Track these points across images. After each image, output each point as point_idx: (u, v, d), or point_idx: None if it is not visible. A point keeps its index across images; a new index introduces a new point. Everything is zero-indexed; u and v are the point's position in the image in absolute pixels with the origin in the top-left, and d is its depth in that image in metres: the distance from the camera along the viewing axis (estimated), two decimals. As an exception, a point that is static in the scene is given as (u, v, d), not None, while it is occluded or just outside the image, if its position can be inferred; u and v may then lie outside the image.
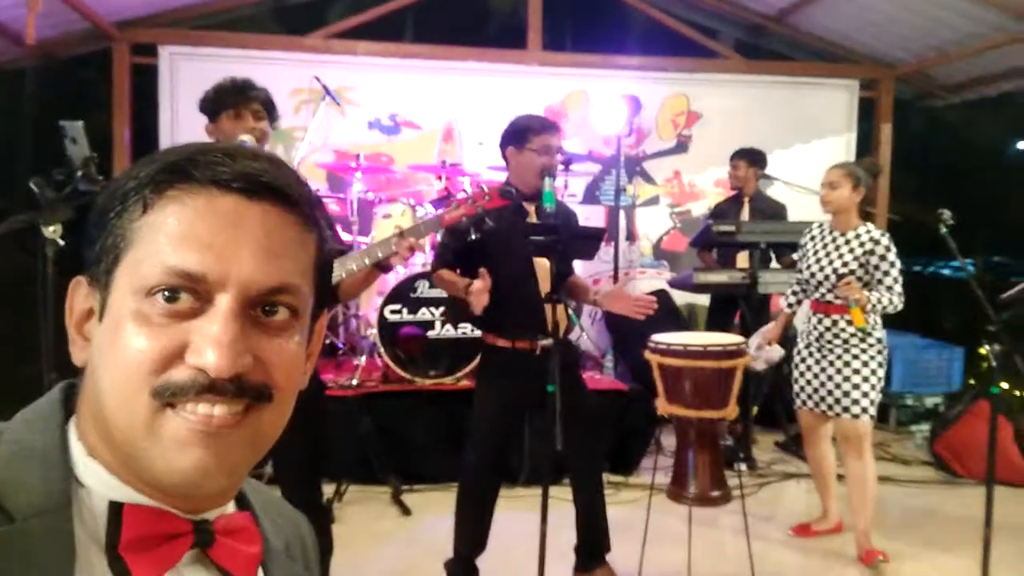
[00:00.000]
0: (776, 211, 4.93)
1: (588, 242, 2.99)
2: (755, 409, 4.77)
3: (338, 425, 3.98)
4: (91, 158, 1.92)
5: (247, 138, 2.28)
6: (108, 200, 0.64)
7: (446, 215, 2.42)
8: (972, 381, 5.30)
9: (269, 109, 2.39)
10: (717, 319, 4.99)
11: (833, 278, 3.25)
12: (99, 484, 0.62)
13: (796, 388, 3.46)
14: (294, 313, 0.64)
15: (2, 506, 0.58)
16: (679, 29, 6.19)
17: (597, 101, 5.83)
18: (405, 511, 3.83)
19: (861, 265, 3.22)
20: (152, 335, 0.59)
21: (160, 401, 0.59)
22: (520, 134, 2.83)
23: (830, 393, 3.29)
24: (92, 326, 0.64)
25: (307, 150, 5.04)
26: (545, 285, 2.68)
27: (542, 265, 2.75)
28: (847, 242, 3.28)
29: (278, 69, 5.53)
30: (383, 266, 2.36)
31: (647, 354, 2.78)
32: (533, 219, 2.80)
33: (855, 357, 3.24)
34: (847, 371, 3.25)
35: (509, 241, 2.69)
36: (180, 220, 0.60)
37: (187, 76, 5.57)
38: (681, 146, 6.24)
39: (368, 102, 5.79)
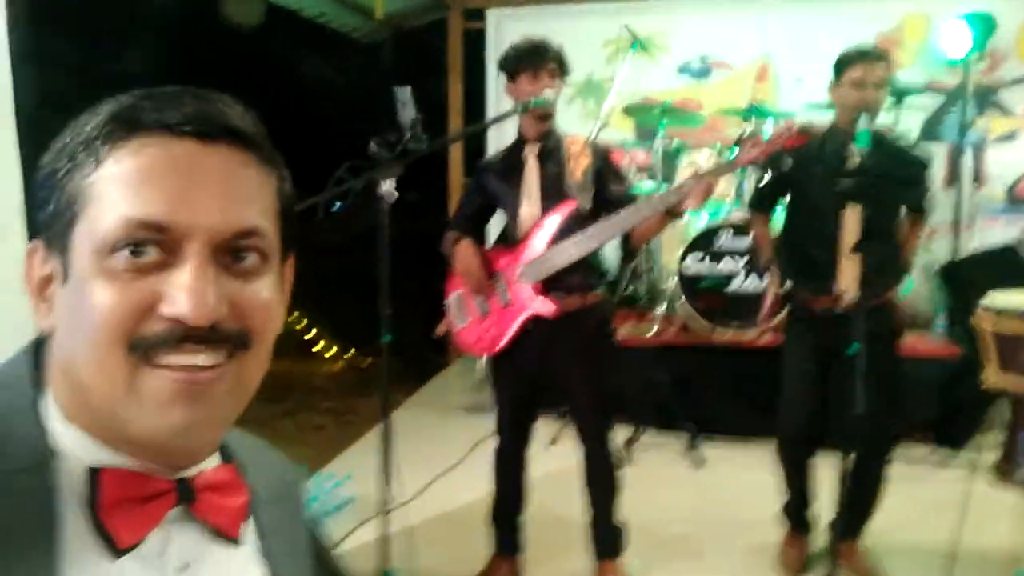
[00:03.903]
0: None
1: (908, 186, 2.67)
2: None
3: (637, 372, 4.10)
4: (417, 120, 2.19)
5: (550, 93, 2.41)
6: (55, 158, 0.61)
7: (740, 156, 2.36)
8: None
9: (562, 67, 2.49)
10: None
11: None
12: (76, 448, 0.61)
13: None
14: (263, 256, 0.62)
15: None
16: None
17: (940, 23, 5.09)
18: (699, 462, 3.85)
19: None
20: (121, 290, 0.57)
21: (137, 356, 0.57)
22: (837, 67, 2.64)
23: None
24: (55, 290, 0.62)
25: (616, 100, 5.11)
26: (852, 235, 2.48)
27: (853, 212, 2.54)
28: None
29: (592, 21, 5.65)
30: (674, 212, 2.39)
31: (978, 315, 2.44)
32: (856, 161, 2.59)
33: None
34: None
35: (813, 183, 2.55)
36: (136, 170, 0.58)
37: (511, 37, 5.87)
38: (1050, 69, 5.21)
39: (679, 46, 5.68)
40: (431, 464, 3.68)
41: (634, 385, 4.07)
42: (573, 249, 2.45)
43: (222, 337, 0.59)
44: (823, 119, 4.72)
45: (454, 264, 2.64)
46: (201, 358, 0.58)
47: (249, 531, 0.70)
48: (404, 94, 2.20)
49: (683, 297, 4.22)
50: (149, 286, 0.58)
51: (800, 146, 2.59)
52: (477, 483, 2.93)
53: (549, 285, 2.52)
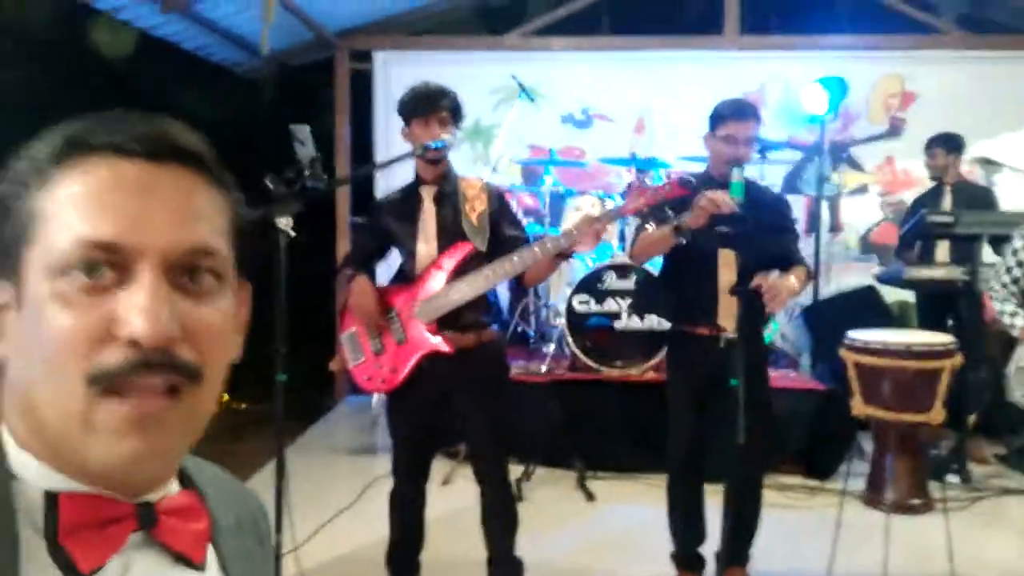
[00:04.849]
0: (983, 198, 4.49)
1: (778, 230, 2.88)
2: (972, 419, 4.35)
3: (528, 410, 4.16)
4: (317, 158, 2.19)
5: (447, 138, 2.46)
6: (7, 186, 0.61)
7: (627, 205, 2.49)
8: None
9: (456, 115, 2.55)
10: (929, 319, 4.61)
11: None
12: (33, 475, 0.60)
13: None
14: (218, 277, 0.63)
15: None
16: (893, 4, 5.75)
17: (799, 85, 5.57)
18: (589, 496, 3.93)
19: None
20: (76, 314, 0.57)
21: (97, 389, 0.57)
22: (713, 120, 2.82)
23: None
24: (9, 319, 0.61)
25: (503, 147, 5.26)
26: (729, 277, 2.65)
27: (728, 256, 2.71)
28: None
29: (479, 68, 5.80)
30: (566, 255, 2.49)
31: (843, 352, 2.66)
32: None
33: None
34: None
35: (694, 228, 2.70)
36: (87, 191, 0.58)
37: (398, 80, 5.99)
38: (894, 130, 5.80)
39: (562, 97, 5.92)
40: (321, 508, 3.58)
41: (525, 422, 4.13)
42: (468, 289, 2.50)
43: (176, 365, 0.59)
44: (697, 168, 5.06)
45: (349, 302, 2.63)
46: (156, 380, 0.58)
47: (211, 560, 0.69)
48: (303, 132, 2.20)
49: (571, 335, 4.33)
50: (104, 308, 0.57)
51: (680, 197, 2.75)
52: (370, 526, 2.88)
53: (445, 323, 2.55)
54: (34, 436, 0.60)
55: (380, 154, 6.07)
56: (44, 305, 0.58)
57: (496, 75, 5.76)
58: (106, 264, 0.58)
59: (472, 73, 5.71)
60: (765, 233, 2.68)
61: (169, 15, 4.72)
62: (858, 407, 2.57)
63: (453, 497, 3.58)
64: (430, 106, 2.50)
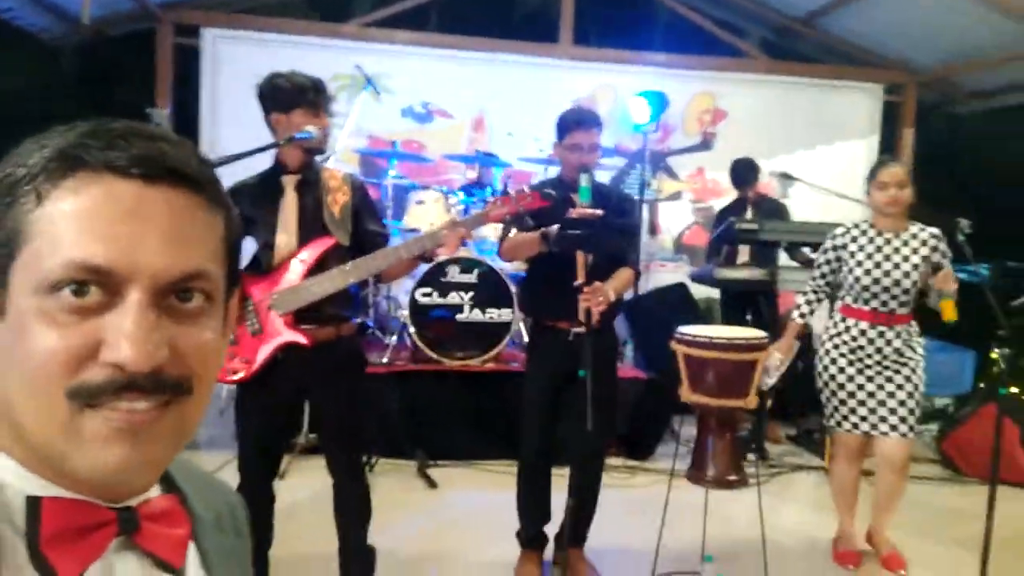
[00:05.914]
0: (778, 211, 5.12)
1: (623, 237, 3.12)
2: (768, 403, 4.92)
3: (370, 399, 4.17)
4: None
5: (312, 130, 2.44)
6: None
7: (490, 212, 2.57)
8: (982, 384, 5.42)
9: (330, 105, 2.55)
10: (732, 314, 5.14)
11: (906, 283, 3.04)
12: (15, 479, 0.60)
13: (843, 410, 3.17)
14: (208, 297, 0.62)
15: None
16: (707, 27, 6.31)
17: (624, 96, 5.97)
18: (431, 484, 4.02)
19: (927, 267, 3.03)
20: (62, 334, 0.56)
21: (79, 403, 0.57)
22: (559, 129, 2.96)
23: (893, 412, 3.09)
24: None
25: (344, 136, 5.19)
26: (580, 275, 2.83)
27: (580, 256, 2.89)
28: (905, 243, 3.09)
29: (316, 55, 5.67)
30: (427, 257, 2.55)
31: (673, 344, 2.92)
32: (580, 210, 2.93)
33: (913, 371, 3.08)
34: (908, 386, 3.07)
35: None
36: (79, 211, 0.57)
37: (229, 59, 5.74)
38: (706, 143, 6.37)
39: (402, 90, 5.94)
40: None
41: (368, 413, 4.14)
42: (328, 284, 2.48)
43: (163, 385, 0.59)
44: (536, 168, 5.27)
45: None
46: (141, 405, 0.58)
47: (192, 559, 0.69)
48: (160, 116, 2.11)
49: (413, 327, 4.39)
50: (90, 329, 0.57)
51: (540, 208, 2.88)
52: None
53: (303, 315, 2.51)
54: (16, 442, 0.60)
55: (206, 135, 5.76)
56: (29, 321, 0.57)
57: (334, 63, 5.67)
58: (95, 285, 0.57)
59: (310, 59, 5.56)
60: (609, 234, 2.89)
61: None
62: (685, 394, 2.84)
63: (290, 491, 3.53)
64: (320, 97, 2.48)
